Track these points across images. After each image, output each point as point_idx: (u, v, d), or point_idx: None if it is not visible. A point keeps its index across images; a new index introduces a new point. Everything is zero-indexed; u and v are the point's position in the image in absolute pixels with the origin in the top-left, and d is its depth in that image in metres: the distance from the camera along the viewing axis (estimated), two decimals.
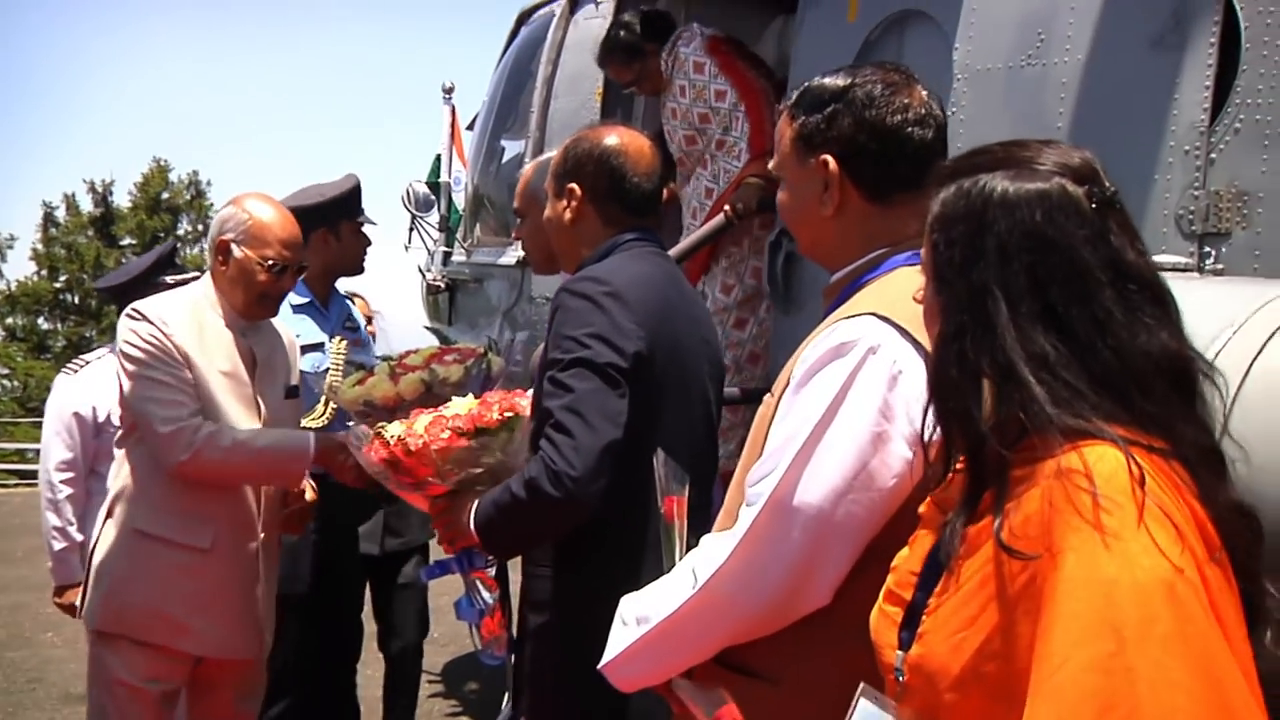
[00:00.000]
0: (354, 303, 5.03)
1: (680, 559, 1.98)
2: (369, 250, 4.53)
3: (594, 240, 2.70)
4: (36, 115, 60.68)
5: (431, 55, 68.39)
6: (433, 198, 7.34)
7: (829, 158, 1.94)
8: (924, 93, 1.97)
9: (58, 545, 4.57)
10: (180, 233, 35.95)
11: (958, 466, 1.46)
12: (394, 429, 2.66)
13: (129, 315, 3.38)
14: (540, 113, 5.68)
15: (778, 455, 1.79)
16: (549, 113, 5.64)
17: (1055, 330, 1.34)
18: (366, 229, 4.48)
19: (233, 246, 3.44)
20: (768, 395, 1.97)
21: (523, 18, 6.29)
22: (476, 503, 2.48)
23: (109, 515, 3.45)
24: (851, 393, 1.75)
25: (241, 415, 3.41)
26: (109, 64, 63.87)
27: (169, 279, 4.53)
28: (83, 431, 4.62)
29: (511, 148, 6.41)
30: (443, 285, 7.00)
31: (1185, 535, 1.26)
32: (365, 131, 69.68)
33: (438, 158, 7.46)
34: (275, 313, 3.60)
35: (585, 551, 2.46)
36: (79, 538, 4.53)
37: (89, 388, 4.67)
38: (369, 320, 5.52)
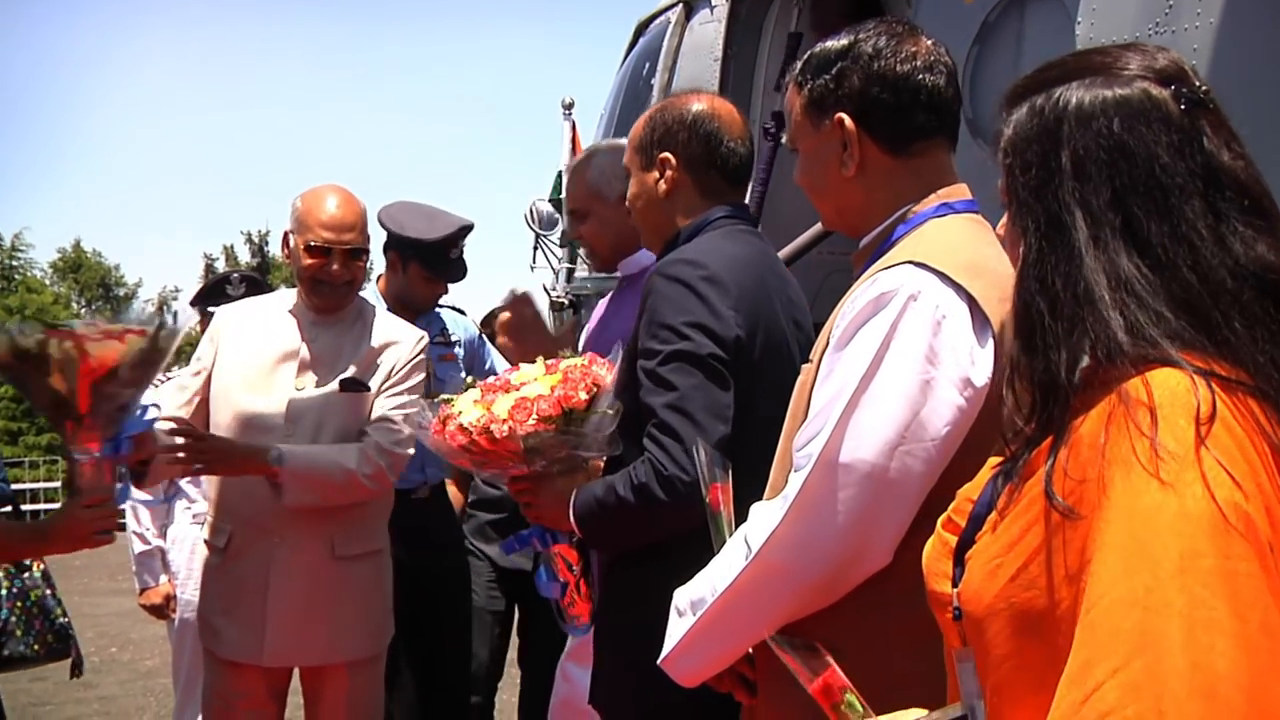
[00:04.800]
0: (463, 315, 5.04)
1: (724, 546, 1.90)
2: (441, 293, 4.42)
3: (689, 214, 2.53)
4: (197, 172, 63.62)
5: (551, 71, 69.26)
6: (556, 215, 7.36)
7: (844, 116, 1.89)
8: (929, 41, 1.93)
9: (137, 549, 4.81)
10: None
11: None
12: (472, 414, 2.50)
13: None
14: None
15: (824, 414, 1.72)
16: None
17: (1137, 250, 1.23)
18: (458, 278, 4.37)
19: (290, 237, 3.42)
20: (805, 362, 1.90)
21: (641, 28, 6.29)
22: (575, 493, 2.38)
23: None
24: (895, 342, 1.69)
25: (265, 412, 3.33)
26: (263, 122, 66.56)
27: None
28: None
29: None
30: (566, 302, 7.01)
31: (1258, 474, 1.13)
32: (488, 150, 71.00)
33: (559, 174, 7.49)
34: (339, 303, 3.43)
35: (683, 544, 2.25)
36: (156, 542, 4.78)
37: (164, 402, 4.81)
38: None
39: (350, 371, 3.40)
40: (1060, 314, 1.24)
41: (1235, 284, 1.22)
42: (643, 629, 2.18)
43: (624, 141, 3.27)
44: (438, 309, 4.52)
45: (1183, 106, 1.27)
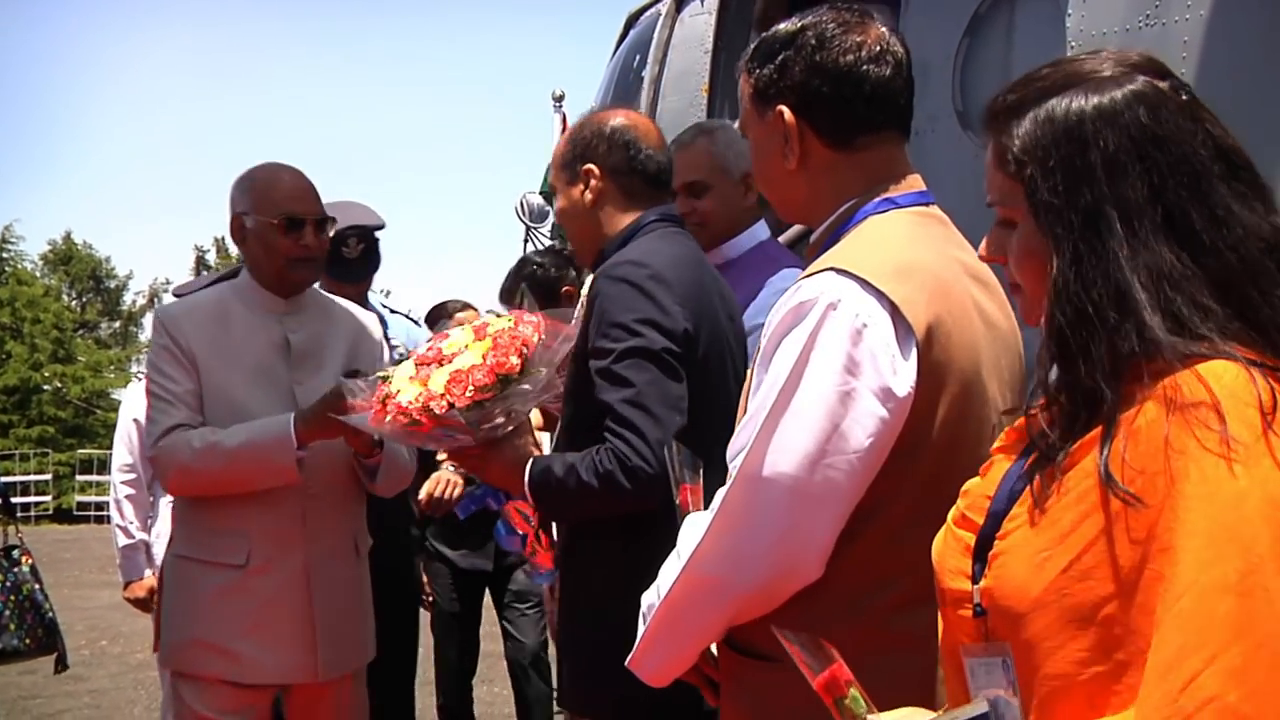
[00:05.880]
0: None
1: None
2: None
3: (617, 221, 2.61)
4: (188, 164, 63.54)
5: (541, 63, 69.29)
6: (547, 208, 7.35)
7: (784, 108, 1.84)
8: (881, 30, 1.86)
9: (121, 542, 4.78)
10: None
11: (1039, 403, 1.33)
12: (410, 392, 2.49)
13: (153, 324, 3.26)
14: (648, 114, 5.62)
15: (749, 428, 1.70)
16: (657, 113, 5.59)
17: (1177, 240, 1.24)
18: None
19: (244, 219, 3.14)
20: (746, 363, 1.89)
21: (631, 20, 6.28)
22: (531, 463, 2.43)
23: (148, 549, 3.34)
24: (814, 353, 1.66)
25: (273, 411, 3.06)
26: (252, 113, 66.46)
27: None
28: (140, 437, 4.73)
29: None
30: None
31: None
32: (478, 142, 71.01)
33: (549, 167, 7.49)
34: (314, 278, 3.25)
35: (642, 534, 2.33)
36: (140, 536, 4.72)
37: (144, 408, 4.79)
38: None
39: (344, 362, 3.22)
40: (1102, 313, 1.24)
41: (1271, 260, 1.24)
42: (603, 624, 2.24)
43: (728, 124, 3.30)
44: (390, 314, 4.48)
45: (1183, 96, 1.29)
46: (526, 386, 2.45)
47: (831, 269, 1.71)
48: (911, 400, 1.67)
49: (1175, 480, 1.14)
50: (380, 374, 2.61)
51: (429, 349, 2.58)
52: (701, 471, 1.97)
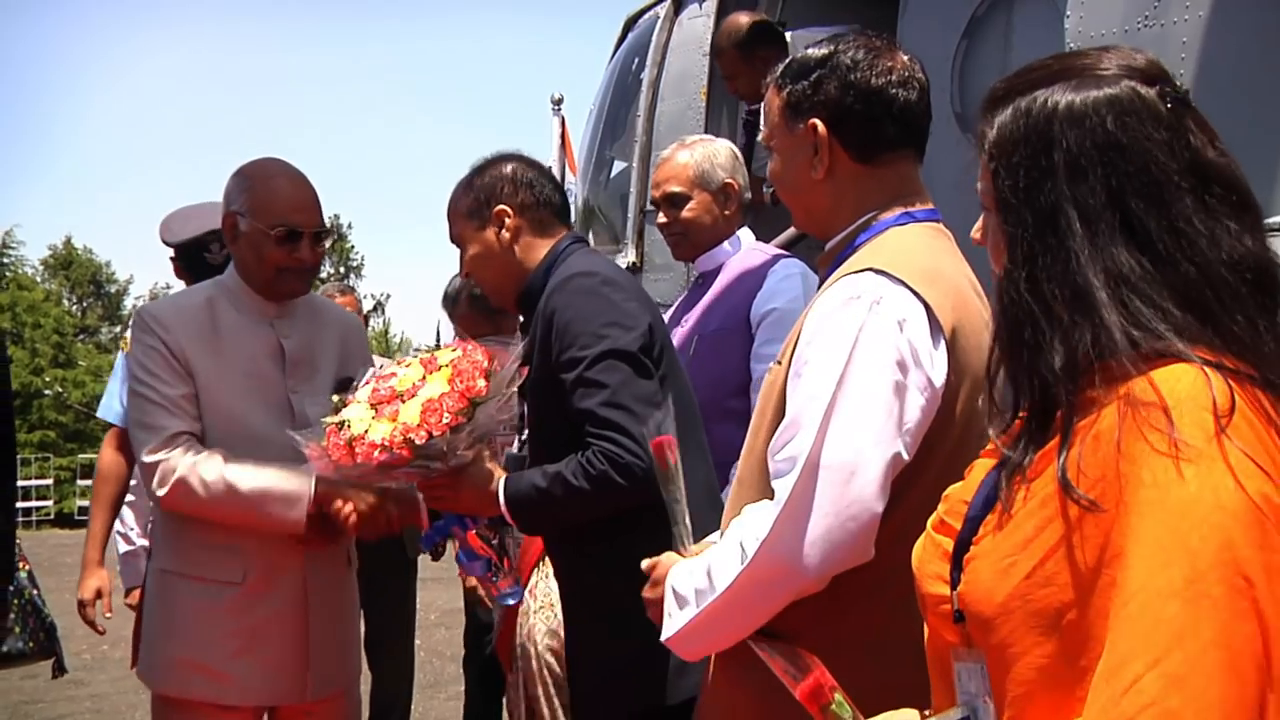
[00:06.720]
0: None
1: (682, 500, 2.03)
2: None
3: (536, 251, 2.71)
4: (188, 169, 63.56)
5: (541, 66, 69.45)
6: None
7: (817, 121, 1.98)
8: (905, 57, 2.02)
9: (121, 549, 4.73)
10: (323, 276, 36.65)
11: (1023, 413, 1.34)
12: (382, 429, 2.49)
13: (133, 323, 3.07)
14: (647, 116, 5.64)
15: (801, 419, 1.79)
16: (655, 115, 5.61)
17: (1136, 246, 1.24)
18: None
19: (239, 220, 2.96)
20: (774, 364, 1.97)
21: (630, 23, 6.28)
22: (504, 482, 2.50)
23: (149, 554, 3.14)
24: (864, 346, 1.77)
25: (270, 420, 2.93)
26: (254, 116, 66.53)
27: None
28: None
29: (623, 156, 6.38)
30: None
31: (1278, 463, 1.14)
32: (476, 145, 71.10)
33: (549, 169, 7.47)
34: (303, 290, 3.08)
35: (628, 528, 2.40)
36: (141, 542, 4.60)
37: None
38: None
39: (337, 366, 3.09)
40: (1055, 314, 1.24)
41: (1233, 277, 1.23)
42: (630, 626, 2.24)
43: (708, 139, 3.53)
44: None
45: (1168, 105, 1.29)
46: (493, 408, 2.51)
47: (870, 269, 1.84)
48: (942, 393, 1.79)
49: (1127, 485, 1.14)
50: (330, 420, 2.61)
51: (376, 390, 2.60)
52: (673, 419, 2.08)
